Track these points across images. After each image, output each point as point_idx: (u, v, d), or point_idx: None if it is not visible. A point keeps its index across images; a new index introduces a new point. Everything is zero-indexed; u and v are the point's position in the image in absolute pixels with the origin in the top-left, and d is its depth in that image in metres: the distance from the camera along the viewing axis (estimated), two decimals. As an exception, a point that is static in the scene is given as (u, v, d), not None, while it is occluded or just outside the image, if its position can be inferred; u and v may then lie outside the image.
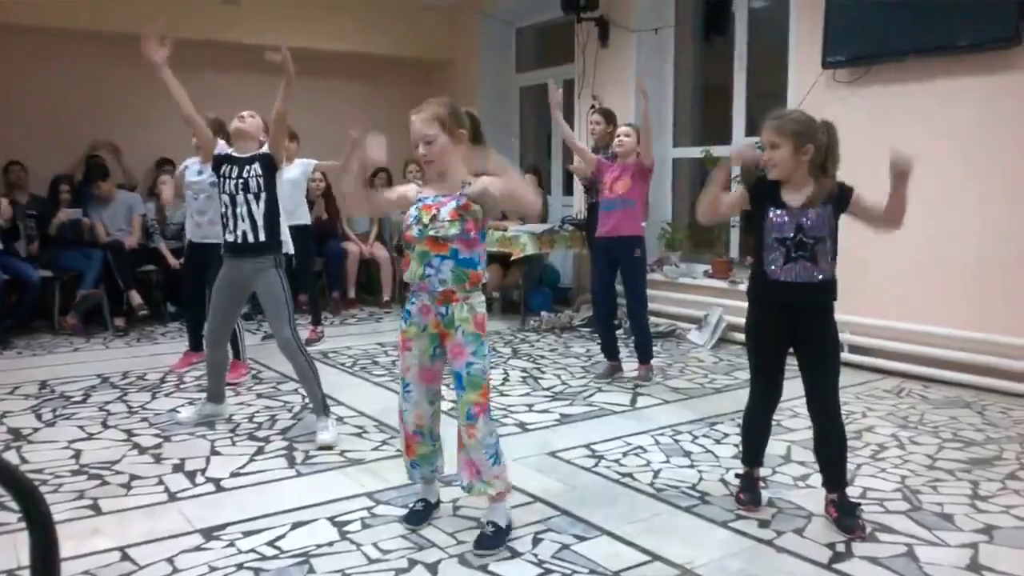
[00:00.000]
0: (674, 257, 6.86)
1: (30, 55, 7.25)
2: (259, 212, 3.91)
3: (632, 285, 4.96)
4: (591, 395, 4.71)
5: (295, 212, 6.09)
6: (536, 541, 2.81)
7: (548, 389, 4.84)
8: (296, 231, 6.14)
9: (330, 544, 2.79)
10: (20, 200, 6.59)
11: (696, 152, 6.84)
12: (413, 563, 2.65)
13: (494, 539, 2.77)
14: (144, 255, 6.86)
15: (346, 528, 2.91)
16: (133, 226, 6.86)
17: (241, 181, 3.90)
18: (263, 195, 3.92)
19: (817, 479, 3.34)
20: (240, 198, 3.90)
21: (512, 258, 6.77)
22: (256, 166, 3.93)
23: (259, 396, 4.68)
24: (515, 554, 2.72)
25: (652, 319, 6.55)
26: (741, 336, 6.03)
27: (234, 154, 4.01)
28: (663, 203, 7.25)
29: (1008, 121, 4.67)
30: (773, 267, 2.90)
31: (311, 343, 6.05)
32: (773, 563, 2.66)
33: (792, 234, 2.86)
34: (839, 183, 2.90)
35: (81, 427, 4.09)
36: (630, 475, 3.44)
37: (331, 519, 2.98)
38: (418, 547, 2.77)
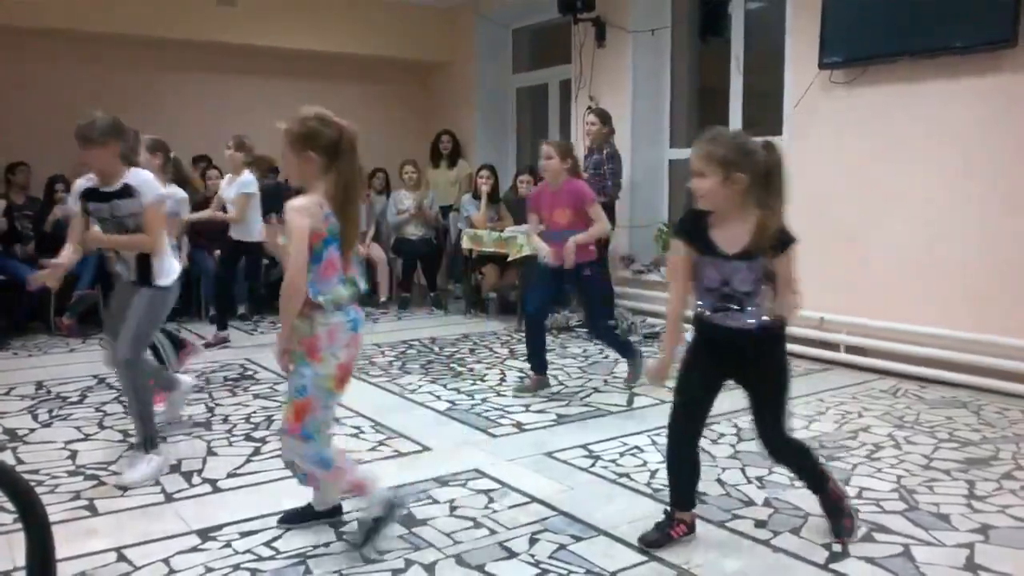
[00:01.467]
0: (670, 258, 6.85)
1: (31, 56, 7.24)
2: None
3: (587, 305, 4.87)
4: (588, 395, 4.71)
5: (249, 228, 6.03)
6: (533, 541, 2.81)
7: (544, 389, 4.84)
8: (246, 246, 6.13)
9: (326, 545, 2.79)
10: (17, 201, 6.58)
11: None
12: (410, 563, 2.65)
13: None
14: (140, 256, 6.85)
15: (342, 529, 2.90)
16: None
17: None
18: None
19: (813, 479, 3.36)
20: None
21: (509, 258, 6.77)
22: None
23: (256, 396, 4.67)
24: (512, 554, 2.72)
25: (648, 319, 6.57)
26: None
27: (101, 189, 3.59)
28: (659, 204, 7.26)
29: (1006, 122, 4.67)
30: (704, 309, 2.68)
31: (210, 347, 5.82)
32: (769, 563, 2.67)
33: (717, 286, 2.59)
34: (780, 231, 2.50)
35: (77, 428, 4.08)
36: (627, 475, 3.44)
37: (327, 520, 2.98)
38: (415, 547, 2.77)
